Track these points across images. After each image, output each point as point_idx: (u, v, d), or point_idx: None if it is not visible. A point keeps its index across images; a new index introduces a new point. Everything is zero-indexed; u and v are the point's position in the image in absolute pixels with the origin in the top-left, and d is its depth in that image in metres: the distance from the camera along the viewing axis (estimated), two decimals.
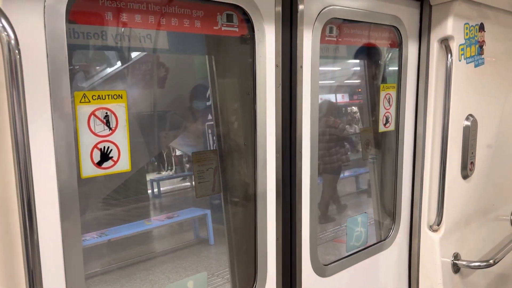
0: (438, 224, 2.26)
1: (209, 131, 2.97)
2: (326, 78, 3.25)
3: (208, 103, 2.40)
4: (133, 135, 1.34)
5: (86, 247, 2.65)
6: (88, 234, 3.24)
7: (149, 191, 5.57)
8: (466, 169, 2.35)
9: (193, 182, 1.91)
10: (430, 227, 2.30)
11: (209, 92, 1.97)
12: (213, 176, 1.90)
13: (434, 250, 2.29)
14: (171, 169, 5.61)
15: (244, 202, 1.88)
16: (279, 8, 1.60)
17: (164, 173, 5.72)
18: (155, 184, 5.76)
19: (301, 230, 1.79)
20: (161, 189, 5.89)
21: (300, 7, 1.65)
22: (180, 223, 5.26)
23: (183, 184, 6.06)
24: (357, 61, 2.69)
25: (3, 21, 0.89)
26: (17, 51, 0.91)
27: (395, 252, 2.31)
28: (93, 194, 2.30)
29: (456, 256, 2.37)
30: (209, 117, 2.96)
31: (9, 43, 0.90)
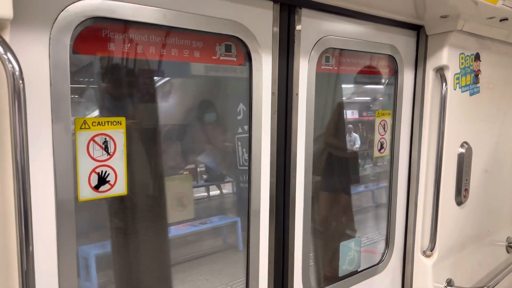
0: (431, 250, 2.28)
1: None
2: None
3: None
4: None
5: None
6: None
7: None
8: (460, 196, 2.37)
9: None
10: (424, 253, 2.31)
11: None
12: None
13: (427, 275, 2.30)
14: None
15: None
16: (277, 39, 1.65)
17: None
18: None
19: (293, 254, 1.81)
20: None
21: (297, 37, 1.71)
22: (211, 229, 5.32)
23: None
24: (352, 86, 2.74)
25: (9, 54, 0.94)
26: (21, 81, 0.96)
27: (388, 277, 2.32)
28: None
29: (450, 282, 2.38)
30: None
31: (13, 73, 0.95)
